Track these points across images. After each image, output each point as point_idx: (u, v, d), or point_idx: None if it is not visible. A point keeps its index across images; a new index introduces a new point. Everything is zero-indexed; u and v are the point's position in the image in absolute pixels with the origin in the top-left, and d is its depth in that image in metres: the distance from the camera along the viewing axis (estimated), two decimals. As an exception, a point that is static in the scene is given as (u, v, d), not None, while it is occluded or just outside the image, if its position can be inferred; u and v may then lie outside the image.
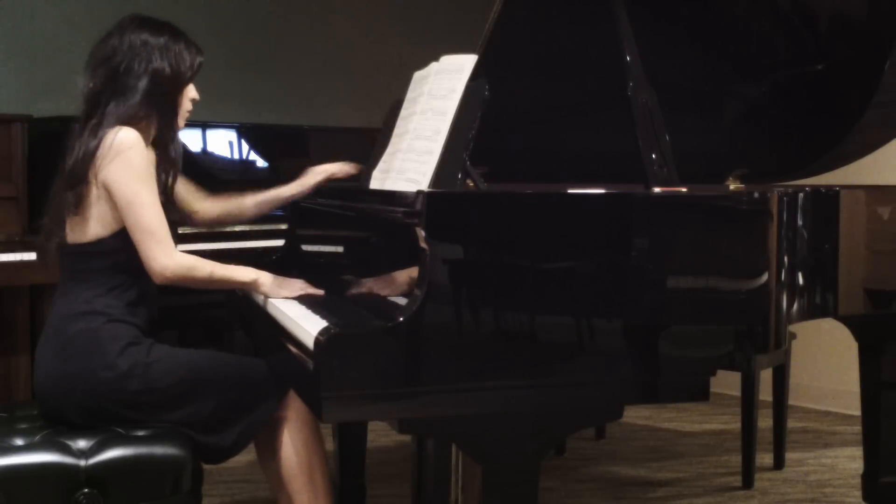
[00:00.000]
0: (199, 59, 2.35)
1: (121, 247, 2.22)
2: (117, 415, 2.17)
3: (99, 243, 2.23)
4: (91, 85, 2.26)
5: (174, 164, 2.33)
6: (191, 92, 2.37)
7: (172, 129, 2.33)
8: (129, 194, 2.18)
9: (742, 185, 2.72)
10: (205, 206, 2.60)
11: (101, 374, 2.15)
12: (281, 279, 2.37)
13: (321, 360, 1.79)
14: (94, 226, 2.22)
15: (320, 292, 2.36)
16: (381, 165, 2.41)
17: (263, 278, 2.35)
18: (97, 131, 2.20)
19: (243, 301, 2.56)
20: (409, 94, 2.40)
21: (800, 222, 2.34)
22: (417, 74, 2.39)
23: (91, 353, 2.17)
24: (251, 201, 2.66)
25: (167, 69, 2.27)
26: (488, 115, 2.07)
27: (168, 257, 2.19)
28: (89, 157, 2.19)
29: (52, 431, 2.15)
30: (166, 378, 2.18)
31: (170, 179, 2.32)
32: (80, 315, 2.21)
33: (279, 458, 2.27)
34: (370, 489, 3.10)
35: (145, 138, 2.26)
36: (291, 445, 2.25)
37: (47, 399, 2.23)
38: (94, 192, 2.20)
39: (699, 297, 2.04)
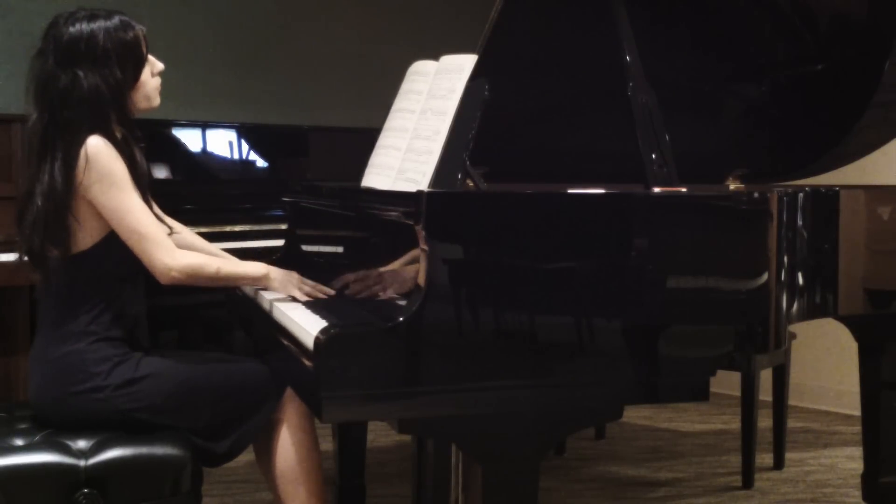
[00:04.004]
0: (135, 34, 2.20)
1: (102, 259, 2.16)
2: (114, 427, 2.16)
3: (82, 256, 2.16)
4: (35, 117, 2.16)
5: (134, 157, 2.19)
6: (151, 68, 2.25)
7: (130, 126, 2.22)
8: (115, 204, 2.11)
9: (742, 185, 2.73)
10: (174, 226, 2.48)
11: (91, 396, 2.13)
12: (290, 276, 2.34)
13: (321, 360, 1.79)
14: (77, 237, 2.15)
15: (331, 292, 2.33)
16: (372, 160, 2.41)
17: (274, 273, 2.32)
18: (53, 170, 2.11)
19: (243, 301, 2.56)
20: (404, 87, 2.39)
21: (800, 222, 2.34)
22: (416, 65, 2.39)
23: (79, 379, 2.14)
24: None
25: (103, 86, 2.13)
26: (488, 115, 2.07)
27: (171, 258, 2.14)
28: (63, 194, 2.10)
29: (52, 431, 2.15)
30: (157, 394, 2.16)
31: (140, 171, 2.20)
32: (66, 336, 2.16)
33: (275, 460, 2.26)
34: (370, 489, 3.10)
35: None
36: (287, 447, 2.25)
37: (43, 414, 2.21)
38: (74, 210, 2.12)
39: (699, 297, 2.05)
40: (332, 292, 2.33)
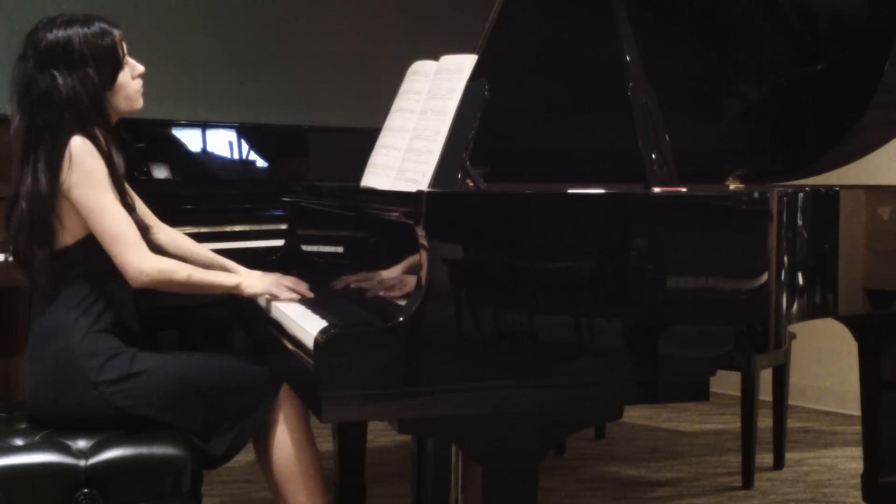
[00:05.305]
0: (112, 38, 2.22)
1: (90, 253, 2.18)
2: (111, 423, 2.16)
3: (67, 252, 2.19)
4: (18, 121, 2.19)
5: (112, 158, 2.21)
6: (130, 71, 2.27)
7: (111, 127, 2.25)
8: (92, 203, 2.13)
9: (742, 185, 2.73)
10: (161, 232, 2.50)
11: (86, 393, 2.14)
12: (267, 279, 2.36)
13: (321, 360, 1.79)
14: (60, 234, 2.18)
15: (309, 294, 2.35)
16: (371, 159, 2.41)
17: (247, 281, 2.33)
18: (37, 173, 2.14)
19: (243, 301, 2.56)
20: (404, 87, 2.39)
21: (800, 222, 2.34)
22: (416, 65, 2.39)
23: (73, 376, 2.14)
24: (201, 260, 2.52)
25: (80, 88, 2.16)
26: (488, 115, 2.07)
27: (143, 261, 2.15)
28: (48, 196, 2.12)
29: (52, 431, 2.15)
30: (153, 390, 2.16)
31: (118, 172, 2.22)
32: (56, 332, 2.17)
33: (273, 459, 2.26)
34: (370, 489, 3.10)
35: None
36: (284, 448, 2.25)
37: (41, 414, 2.21)
38: (57, 210, 2.15)
39: (699, 297, 2.04)
40: (310, 294, 2.34)
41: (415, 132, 2.24)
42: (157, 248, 2.40)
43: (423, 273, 1.85)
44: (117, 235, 2.15)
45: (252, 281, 2.34)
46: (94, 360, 2.15)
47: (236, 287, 2.32)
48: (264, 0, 4.85)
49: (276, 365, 2.28)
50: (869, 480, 3.02)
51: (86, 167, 2.13)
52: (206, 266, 2.50)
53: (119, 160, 2.22)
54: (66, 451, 2.07)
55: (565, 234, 1.95)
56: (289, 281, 2.37)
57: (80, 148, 2.14)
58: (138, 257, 2.16)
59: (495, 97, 2.07)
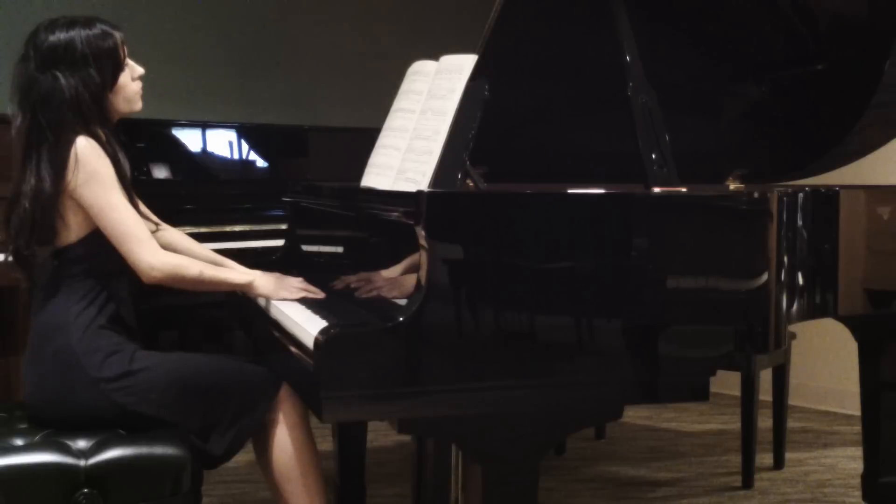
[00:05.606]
0: (113, 40, 2.24)
1: (91, 252, 2.19)
2: (109, 421, 2.17)
3: (68, 250, 2.20)
4: (19, 121, 2.20)
5: (117, 156, 2.23)
6: (130, 72, 2.29)
7: (112, 127, 2.27)
8: (101, 201, 2.14)
9: (742, 185, 2.73)
10: (163, 232, 2.50)
11: (86, 391, 2.14)
12: (278, 279, 2.36)
13: (321, 360, 1.79)
14: (61, 233, 2.19)
15: (321, 294, 2.35)
16: (371, 159, 2.41)
17: (259, 280, 2.34)
18: (40, 172, 2.15)
19: (243, 301, 2.56)
20: (404, 87, 2.39)
21: (800, 222, 2.34)
22: (416, 65, 2.39)
23: (72, 373, 2.15)
24: (202, 260, 2.47)
25: (82, 88, 2.18)
26: (488, 115, 2.07)
27: (154, 257, 2.17)
28: (51, 195, 2.14)
29: (52, 431, 2.15)
30: (152, 388, 2.16)
31: (123, 170, 2.24)
32: (56, 329, 2.18)
33: (273, 459, 2.27)
34: (370, 489, 3.10)
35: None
36: (284, 446, 2.26)
37: (41, 413, 2.22)
38: (61, 206, 2.16)
39: (699, 297, 2.05)
40: (321, 294, 2.35)
41: (415, 132, 2.24)
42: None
43: (423, 273, 1.85)
44: (128, 233, 2.16)
45: (263, 280, 2.34)
46: (94, 357, 2.16)
47: (247, 285, 2.33)
48: (264, 0, 4.85)
49: (276, 365, 2.28)
50: (869, 480, 3.03)
51: (92, 167, 2.15)
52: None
53: (124, 160, 2.24)
54: (66, 451, 2.07)
55: (565, 234, 1.95)
56: (297, 282, 2.37)
57: (86, 148, 2.15)
58: (150, 253, 2.17)
59: (495, 97, 2.07)
